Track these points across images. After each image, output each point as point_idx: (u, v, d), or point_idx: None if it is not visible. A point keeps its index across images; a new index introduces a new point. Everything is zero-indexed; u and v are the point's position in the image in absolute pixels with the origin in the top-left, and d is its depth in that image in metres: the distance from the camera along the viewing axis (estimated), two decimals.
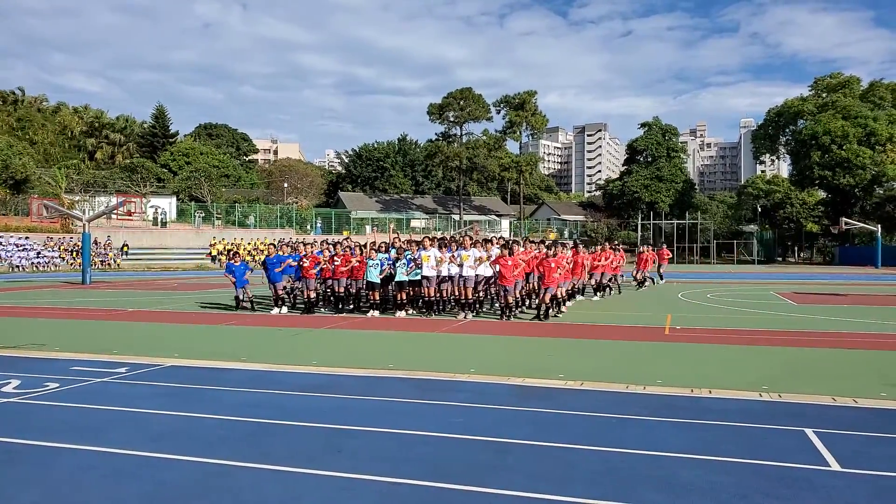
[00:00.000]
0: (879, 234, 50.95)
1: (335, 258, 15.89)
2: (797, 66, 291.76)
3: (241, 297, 16.55)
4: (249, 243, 49.28)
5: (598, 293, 20.29)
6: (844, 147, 58.48)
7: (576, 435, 5.76)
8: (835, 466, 4.94)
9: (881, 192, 61.50)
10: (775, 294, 22.44)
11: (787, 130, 69.10)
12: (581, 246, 19.42)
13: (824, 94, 66.67)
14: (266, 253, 16.94)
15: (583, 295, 19.65)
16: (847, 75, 68.30)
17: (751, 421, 6.20)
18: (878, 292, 23.79)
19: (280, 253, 16.73)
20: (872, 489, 4.52)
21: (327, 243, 17.01)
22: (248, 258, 17.78)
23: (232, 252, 17.66)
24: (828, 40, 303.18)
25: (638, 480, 4.66)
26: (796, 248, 67.73)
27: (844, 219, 52.56)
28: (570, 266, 16.38)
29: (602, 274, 20.23)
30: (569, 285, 17.03)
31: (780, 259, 64.96)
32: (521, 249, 15.63)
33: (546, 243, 16.53)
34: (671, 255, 31.88)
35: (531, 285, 16.23)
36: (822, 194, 64.42)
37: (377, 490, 4.50)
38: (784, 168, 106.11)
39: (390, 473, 4.78)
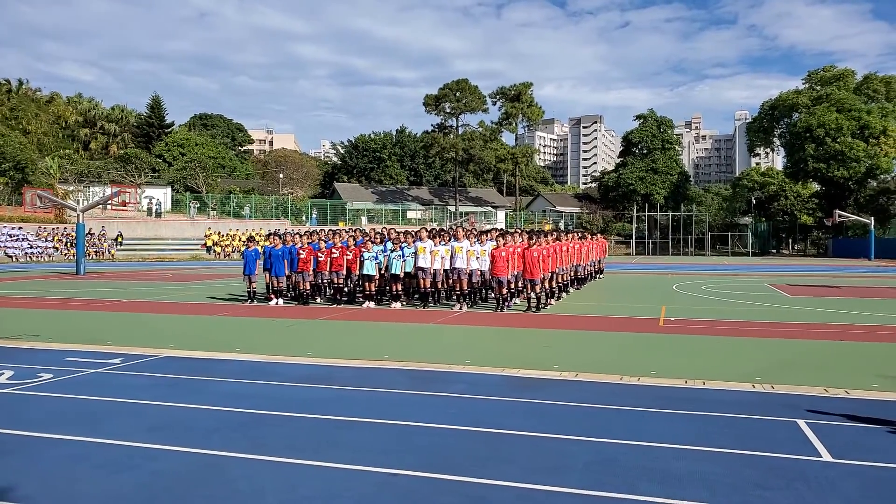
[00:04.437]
0: (873, 226, 51.16)
1: (333, 250, 15.85)
2: (794, 58, 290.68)
3: (251, 290, 16.18)
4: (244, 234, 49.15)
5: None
6: (838, 140, 58.58)
7: (571, 426, 5.79)
8: (827, 457, 4.98)
9: (875, 184, 61.78)
10: (769, 286, 22.52)
11: (782, 123, 69.14)
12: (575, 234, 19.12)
13: (818, 87, 66.69)
14: (272, 244, 16.22)
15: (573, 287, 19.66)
16: (841, 68, 68.34)
17: (744, 412, 6.24)
18: (871, 284, 23.90)
19: (286, 244, 16.17)
20: (864, 480, 4.56)
21: (350, 232, 16.79)
22: (260, 247, 17.21)
23: (248, 238, 17.48)
24: (825, 33, 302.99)
25: (632, 471, 4.69)
26: (790, 241, 67.94)
27: (838, 211, 52.70)
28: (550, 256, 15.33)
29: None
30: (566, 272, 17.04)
31: (774, 251, 65.18)
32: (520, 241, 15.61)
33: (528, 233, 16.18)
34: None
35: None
36: (816, 187, 64.53)
37: (373, 481, 4.52)
38: (778, 161, 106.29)
39: (386, 464, 4.80)
